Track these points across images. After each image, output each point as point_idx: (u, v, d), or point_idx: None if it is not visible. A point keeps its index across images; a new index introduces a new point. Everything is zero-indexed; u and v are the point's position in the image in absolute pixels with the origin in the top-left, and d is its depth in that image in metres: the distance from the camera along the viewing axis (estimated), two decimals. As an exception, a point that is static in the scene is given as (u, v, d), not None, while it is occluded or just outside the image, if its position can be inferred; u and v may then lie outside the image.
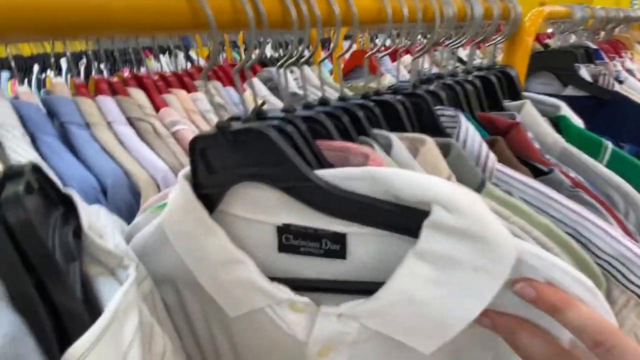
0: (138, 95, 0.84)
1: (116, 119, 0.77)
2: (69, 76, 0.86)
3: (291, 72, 1.26)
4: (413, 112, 0.44)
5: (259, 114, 0.35)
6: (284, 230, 0.34)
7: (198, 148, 0.34)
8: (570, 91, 0.85)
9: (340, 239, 0.32)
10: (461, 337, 0.29)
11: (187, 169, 0.36)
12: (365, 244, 0.32)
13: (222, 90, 0.98)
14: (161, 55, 1.94)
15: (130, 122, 0.80)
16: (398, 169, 0.30)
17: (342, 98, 0.42)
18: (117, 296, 0.23)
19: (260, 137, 0.31)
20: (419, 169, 0.39)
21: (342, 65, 1.21)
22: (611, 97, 0.80)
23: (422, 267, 0.28)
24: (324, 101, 0.40)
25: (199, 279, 0.35)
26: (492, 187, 0.43)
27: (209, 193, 0.35)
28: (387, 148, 0.40)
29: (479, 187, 0.43)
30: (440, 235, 0.27)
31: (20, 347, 0.16)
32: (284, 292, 0.33)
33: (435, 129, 0.44)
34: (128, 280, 0.26)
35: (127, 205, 0.67)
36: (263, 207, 0.34)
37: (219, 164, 0.34)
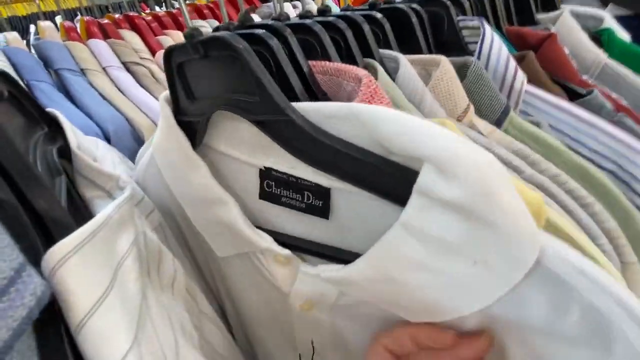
0: (132, 38, 0.78)
1: (111, 63, 0.73)
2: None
3: (294, 7, 1.17)
4: (429, 24, 0.38)
5: (244, 21, 0.29)
6: (265, 175, 0.29)
7: (174, 64, 0.29)
8: (611, 10, 0.74)
9: (323, 194, 0.26)
10: None
11: (167, 91, 0.31)
12: (350, 204, 0.25)
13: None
14: (157, 8, 1.85)
15: (126, 66, 0.75)
16: (388, 109, 0.21)
17: (345, 8, 0.35)
18: (110, 206, 0.22)
19: (228, 50, 0.24)
20: (429, 99, 0.33)
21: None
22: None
23: (408, 245, 0.21)
24: (323, 9, 0.33)
25: (188, 214, 0.32)
26: (517, 118, 0.37)
27: (192, 121, 0.30)
28: (394, 73, 0.35)
29: (501, 116, 0.37)
30: (432, 207, 0.20)
31: None
32: (265, 240, 0.29)
33: (455, 43, 0.38)
34: (122, 195, 0.24)
35: (131, 152, 0.64)
36: (244, 144, 0.29)
37: (197, 86, 0.29)
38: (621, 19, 0.67)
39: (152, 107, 0.69)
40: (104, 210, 0.21)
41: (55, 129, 0.28)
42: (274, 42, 0.27)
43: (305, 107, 0.24)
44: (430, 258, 0.21)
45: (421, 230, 0.20)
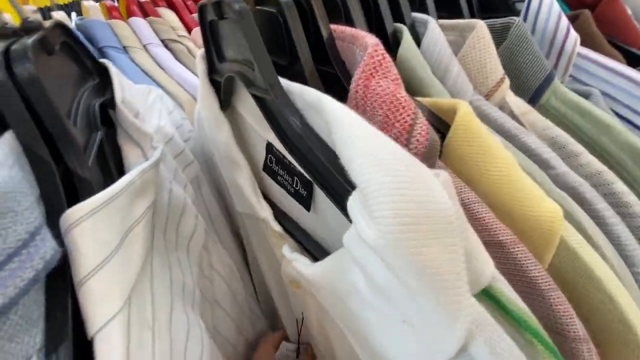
0: (169, 16, 0.81)
1: (151, 41, 0.76)
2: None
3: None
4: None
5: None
6: (269, 149, 0.28)
7: (206, 19, 0.28)
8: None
9: (308, 185, 0.25)
10: None
11: (202, 50, 0.31)
12: (328, 202, 0.22)
13: None
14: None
15: (164, 44, 0.78)
16: (349, 112, 0.18)
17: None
18: (133, 172, 0.22)
19: (231, 11, 0.23)
20: (456, 69, 0.30)
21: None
22: None
23: (352, 270, 0.18)
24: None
25: (217, 160, 0.34)
26: (562, 87, 0.33)
27: (221, 81, 0.30)
28: (422, 37, 0.32)
29: (543, 84, 0.33)
30: (362, 244, 0.16)
31: (12, 203, 0.15)
32: (265, 210, 0.29)
33: (501, 4, 0.34)
34: (150, 160, 0.25)
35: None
36: (256, 114, 0.28)
37: (226, 46, 0.28)
38: None
39: (190, 81, 0.70)
40: (126, 177, 0.21)
41: (106, 79, 0.29)
42: (285, 1, 0.25)
43: (294, 90, 0.22)
44: (369, 294, 0.17)
45: (360, 260, 0.17)
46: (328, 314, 0.25)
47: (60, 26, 0.26)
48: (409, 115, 0.21)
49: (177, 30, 0.80)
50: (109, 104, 0.27)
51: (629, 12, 0.40)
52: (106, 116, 0.27)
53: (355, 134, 0.17)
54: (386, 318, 0.17)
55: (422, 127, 0.21)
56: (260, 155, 0.30)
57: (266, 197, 0.31)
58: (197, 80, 0.72)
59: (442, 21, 0.34)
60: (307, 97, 0.21)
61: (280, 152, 0.26)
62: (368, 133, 0.17)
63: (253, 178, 0.30)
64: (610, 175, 0.26)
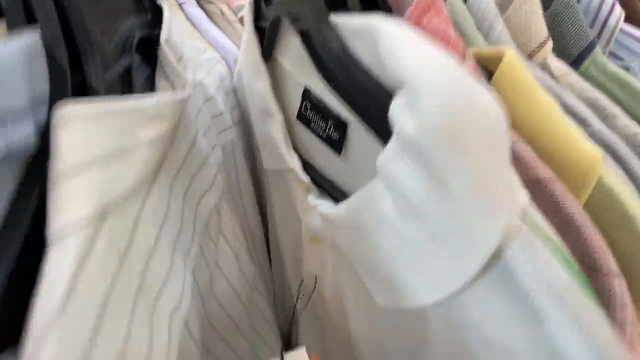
0: (206, -25, 0.81)
1: (187, 0, 0.76)
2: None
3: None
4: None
5: None
6: (305, 96, 0.28)
7: None
8: None
9: (341, 127, 0.24)
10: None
11: None
12: (362, 144, 0.23)
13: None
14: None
15: (200, 5, 0.78)
16: (401, 29, 0.17)
17: None
18: (150, 99, 0.21)
19: None
20: (500, 28, 0.30)
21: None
22: None
23: (382, 197, 0.18)
24: None
25: (252, 118, 0.34)
26: (602, 57, 0.33)
27: (267, 29, 0.30)
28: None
29: (584, 52, 0.33)
30: (402, 150, 0.16)
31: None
32: (295, 161, 0.29)
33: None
34: (172, 95, 0.24)
35: None
36: (295, 60, 0.28)
37: None
38: None
39: (224, 45, 0.71)
40: (139, 100, 0.20)
41: (160, 19, 0.29)
42: None
43: (340, 21, 0.22)
44: (399, 219, 0.17)
45: (394, 181, 0.17)
46: (345, 270, 0.26)
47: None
48: (458, 53, 0.21)
49: None
50: (154, 41, 0.27)
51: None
52: (152, 53, 0.27)
53: (406, 42, 0.16)
54: (414, 241, 0.17)
55: (470, 65, 0.21)
56: (295, 104, 0.30)
57: (295, 150, 0.31)
58: (230, 45, 0.72)
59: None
60: (353, 25, 0.21)
61: (318, 97, 0.26)
62: (420, 41, 0.17)
63: (285, 128, 0.30)
64: None
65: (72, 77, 0.18)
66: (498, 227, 0.14)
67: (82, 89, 0.20)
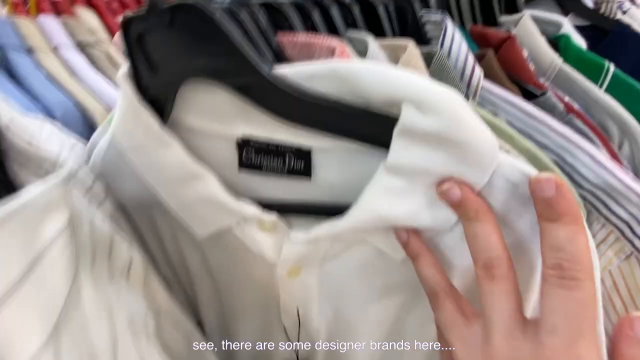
0: (88, 16, 0.74)
1: (63, 43, 0.68)
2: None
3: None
4: (395, 15, 0.39)
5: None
6: (243, 145, 0.29)
7: (133, 35, 0.27)
8: (570, 20, 0.79)
9: (304, 155, 0.28)
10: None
11: (126, 66, 0.29)
12: (331, 160, 0.28)
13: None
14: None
15: (80, 47, 0.71)
16: (365, 64, 0.24)
17: (312, -8, 0.36)
18: (36, 187, 0.19)
19: (201, 16, 0.24)
20: None
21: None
22: (615, 28, 0.74)
23: (393, 182, 0.25)
24: (289, -10, 0.34)
25: (161, 198, 0.31)
26: (475, 106, 0.39)
27: (156, 97, 0.29)
28: (362, 54, 0.35)
29: None
30: (413, 144, 0.23)
31: None
32: (250, 208, 0.29)
33: (417, 37, 0.39)
34: (54, 176, 0.22)
35: (81, 140, 0.62)
36: (218, 115, 0.29)
37: (161, 57, 0.28)
38: (580, 29, 0.71)
39: (105, 92, 0.64)
40: (27, 191, 0.18)
41: None
42: (243, 14, 0.27)
43: (284, 70, 0.25)
44: (415, 187, 0.24)
45: (405, 166, 0.24)
46: (340, 278, 0.32)
47: None
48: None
49: (96, 33, 0.73)
50: None
51: (525, 53, 0.48)
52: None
53: (382, 70, 0.23)
54: (431, 191, 0.24)
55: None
56: (223, 158, 0.30)
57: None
58: (114, 92, 0.68)
59: (374, 38, 0.37)
60: (305, 70, 0.25)
61: (265, 139, 0.28)
62: (387, 66, 0.24)
63: (220, 184, 0.30)
64: (514, 152, 0.34)
65: None
66: (496, 153, 0.23)
67: None
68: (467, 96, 0.38)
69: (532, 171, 0.23)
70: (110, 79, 0.68)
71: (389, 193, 0.25)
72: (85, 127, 0.61)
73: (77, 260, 0.22)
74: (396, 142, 0.24)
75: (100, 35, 0.73)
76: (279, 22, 0.31)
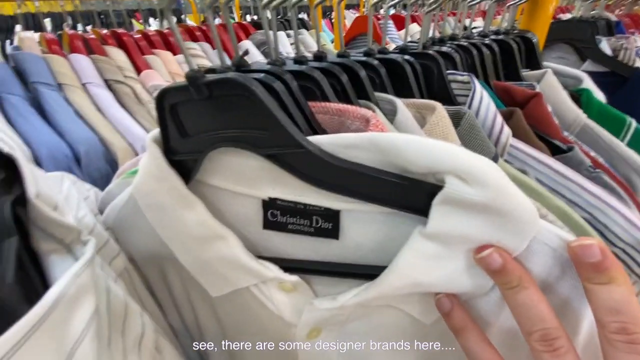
0: (117, 55, 0.77)
1: (92, 80, 0.71)
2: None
3: (288, 36, 1.19)
4: (422, 75, 0.39)
5: (240, 65, 0.29)
6: (269, 205, 0.29)
7: (167, 104, 0.28)
8: (588, 66, 0.79)
9: (332, 216, 0.28)
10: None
11: (156, 130, 0.30)
12: (360, 222, 0.28)
13: (212, 52, 0.91)
14: (151, 19, 1.84)
15: (108, 84, 0.73)
16: (405, 134, 0.24)
17: (341, 55, 0.36)
18: (63, 280, 0.19)
19: (240, 90, 0.25)
20: None
21: (344, 33, 1.13)
22: (633, 74, 0.74)
23: (430, 248, 0.24)
24: (319, 55, 0.34)
25: (177, 256, 0.31)
26: (506, 165, 0.38)
27: (183, 160, 0.30)
28: (391, 115, 0.35)
29: None
30: (454, 212, 0.23)
31: None
32: (272, 270, 0.30)
33: (445, 96, 0.39)
34: (81, 259, 0.21)
35: (103, 175, 0.62)
36: (245, 178, 0.29)
37: (193, 124, 0.28)
38: (595, 75, 0.71)
39: (130, 128, 0.66)
40: (55, 287, 0.18)
41: (13, 172, 0.25)
42: (278, 85, 0.27)
43: (319, 140, 0.25)
44: (452, 253, 0.24)
45: (445, 234, 0.24)
46: (360, 338, 0.31)
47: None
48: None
49: (125, 71, 0.76)
50: (21, 200, 0.23)
51: (550, 108, 0.48)
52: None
53: (424, 143, 0.23)
54: (468, 257, 0.24)
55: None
56: (248, 219, 0.30)
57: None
58: (138, 129, 0.69)
59: (402, 100, 0.37)
60: (342, 140, 0.25)
61: (292, 201, 0.28)
62: (427, 139, 0.24)
63: (242, 245, 0.30)
64: (544, 210, 0.34)
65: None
66: (536, 221, 0.23)
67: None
68: (496, 154, 0.37)
69: (569, 236, 0.23)
70: (136, 114, 0.70)
71: (425, 258, 0.25)
72: (107, 160, 0.63)
73: (100, 345, 0.21)
74: (436, 210, 0.24)
75: (127, 73, 0.75)
76: (310, 88, 0.31)
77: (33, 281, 0.21)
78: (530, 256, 0.24)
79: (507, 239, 0.23)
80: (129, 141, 0.64)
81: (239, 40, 0.99)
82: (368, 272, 0.28)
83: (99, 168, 0.60)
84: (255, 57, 0.84)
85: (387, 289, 0.26)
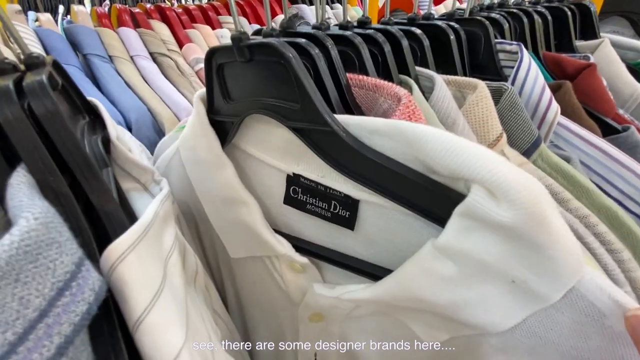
0: (162, 29, 0.79)
1: (139, 52, 0.74)
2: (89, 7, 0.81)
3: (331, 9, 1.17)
4: (466, 44, 0.37)
5: (287, 28, 0.29)
6: (293, 181, 0.29)
7: (215, 64, 0.29)
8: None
9: (351, 204, 0.26)
10: None
11: (203, 90, 0.31)
12: (378, 217, 0.26)
13: (248, 27, 0.91)
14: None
15: (153, 57, 0.76)
16: (435, 129, 0.21)
17: (385, 22, 0.35)
18: (156, 201, 0.22)
19: (277, 57, 0.24)
20: (462, 122, 0.32)
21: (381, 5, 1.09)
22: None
23: (440, 264, 0.21)
24: (363, 21, 0.33)
25: (206, 211, 0.33)
26: (548, 151, 0.36)
27: (224, 121, 0.31)
28: (429, 92, 0.34)
29: (531, 148, 0.36)
30: (474, 229, 0.20)
31: (55, 234, 0.14)
32: (284, 246, 0.30)
33: (489, 66, 0.37)
34: (163, 191, 0.24)
35: (150, 142, 0.65)
36: (274, 149, 0.29)
37: (235, 87, 0.29)
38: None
39: (175, 99, 0.69)
40: (151, 206, 0.21)
41: (94, 118, 0.28)
42: (316, 52, 0.27)
43: (347, 120, 0.24)
44: (465, 278, 0.21)
45: (460, 252, 0.20)
46: (362, 334, 0.30)
47: (57, 64, 0.25)
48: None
49: (168, 44, 0.78)
50: (103, 142, 0.27)
51: (604, 82, 0.44)
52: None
53: (453, 142, 0.20)
54: (486, 290, 0.21)
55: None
56: (271, 189, 0.31)
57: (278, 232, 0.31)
58: (182, 100, 0.71)
59: (442, 76, 0.36)
60: (369, 125, 0.23)
61: (314, 181, 0.28)
62: (460, 139, 0.20)
63: (262, 215, 0.30)
64: (594, 219, 0.31)
65: (76, 202, 0.17)
66: (579, 267, 0.19)
67: (89, 214, 0.18)
68: (539, 137, 0.35)
69: (628, 301, 0.19)
70: (179, 86, 0.72)
71: (432, 275, 0.22)
72: (154, 129, 0.66)
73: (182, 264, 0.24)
74: (454, 222, 0.20)
75: (170, 46, 0.78)
76: (350, 56, 0.30)
77: (127, 207, 0.24)
78: (563, 306, 0.20)
79: (536, 282, 0.19)
80: (174, 111, 0.67)
81: (274, 15, 0.99)
82: (375, 273, 0.26)
83: (147, 135, 0.64)
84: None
85: (384, 295, 0.24)
